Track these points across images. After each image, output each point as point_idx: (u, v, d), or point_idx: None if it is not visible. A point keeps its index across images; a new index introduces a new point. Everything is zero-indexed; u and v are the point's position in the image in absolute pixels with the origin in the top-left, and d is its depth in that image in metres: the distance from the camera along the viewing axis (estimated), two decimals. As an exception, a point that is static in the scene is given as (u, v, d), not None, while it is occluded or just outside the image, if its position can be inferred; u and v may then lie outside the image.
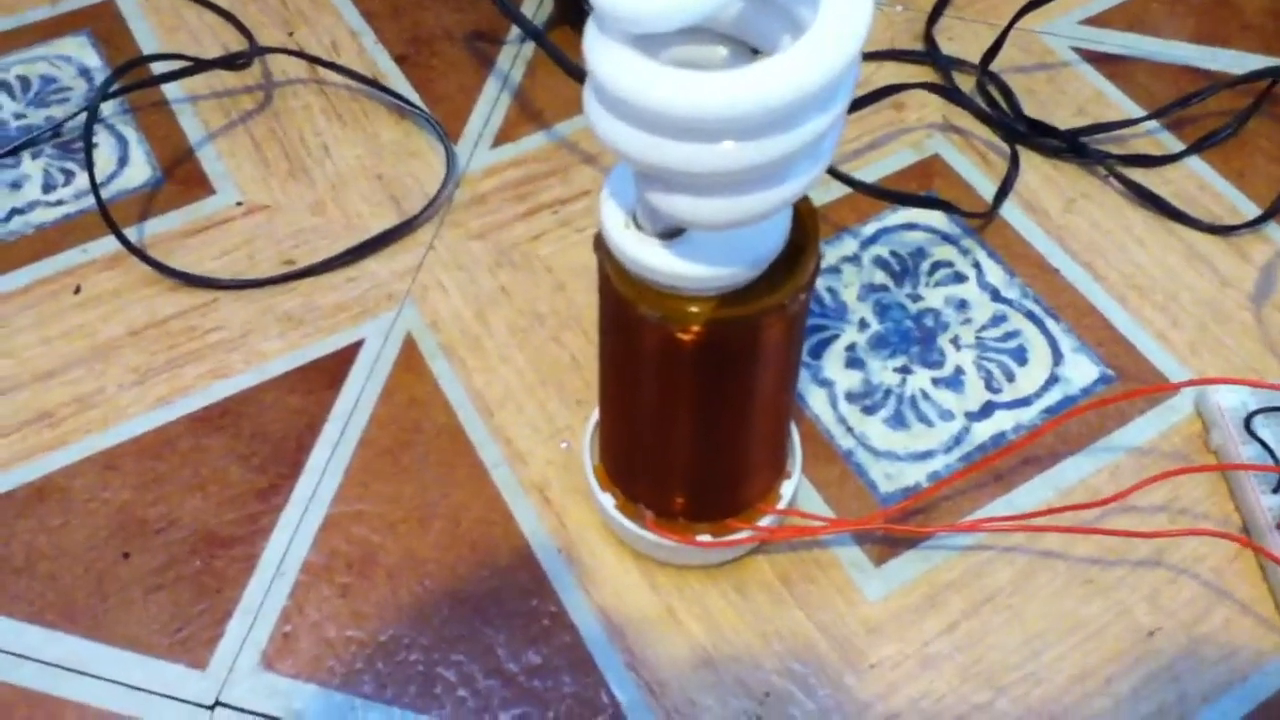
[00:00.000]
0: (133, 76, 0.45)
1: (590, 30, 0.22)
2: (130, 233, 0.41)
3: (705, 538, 0.32)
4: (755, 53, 0.25)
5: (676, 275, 0.25)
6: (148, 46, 0.48)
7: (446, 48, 0.48)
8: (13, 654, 0.33)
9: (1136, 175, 0.44)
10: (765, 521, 0.33)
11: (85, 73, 0.47)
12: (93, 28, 0.48)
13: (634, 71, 0.21)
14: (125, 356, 0.39)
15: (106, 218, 0.40)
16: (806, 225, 0.27)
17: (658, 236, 0.25)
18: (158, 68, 0.46)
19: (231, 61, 0.45)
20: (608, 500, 0.33)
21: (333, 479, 0.36)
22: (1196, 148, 0.45)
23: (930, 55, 0.48)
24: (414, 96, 0.46)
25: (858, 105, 0.45)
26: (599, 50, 0.22)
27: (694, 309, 0.26)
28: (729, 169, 0.22)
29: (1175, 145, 0.45)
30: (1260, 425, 0.35)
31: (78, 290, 0.40)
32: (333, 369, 0.38)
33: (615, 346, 0.29)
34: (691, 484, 0.31)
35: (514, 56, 0.48)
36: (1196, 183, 0.44)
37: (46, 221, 0.42)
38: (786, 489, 0.33)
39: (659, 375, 0.28)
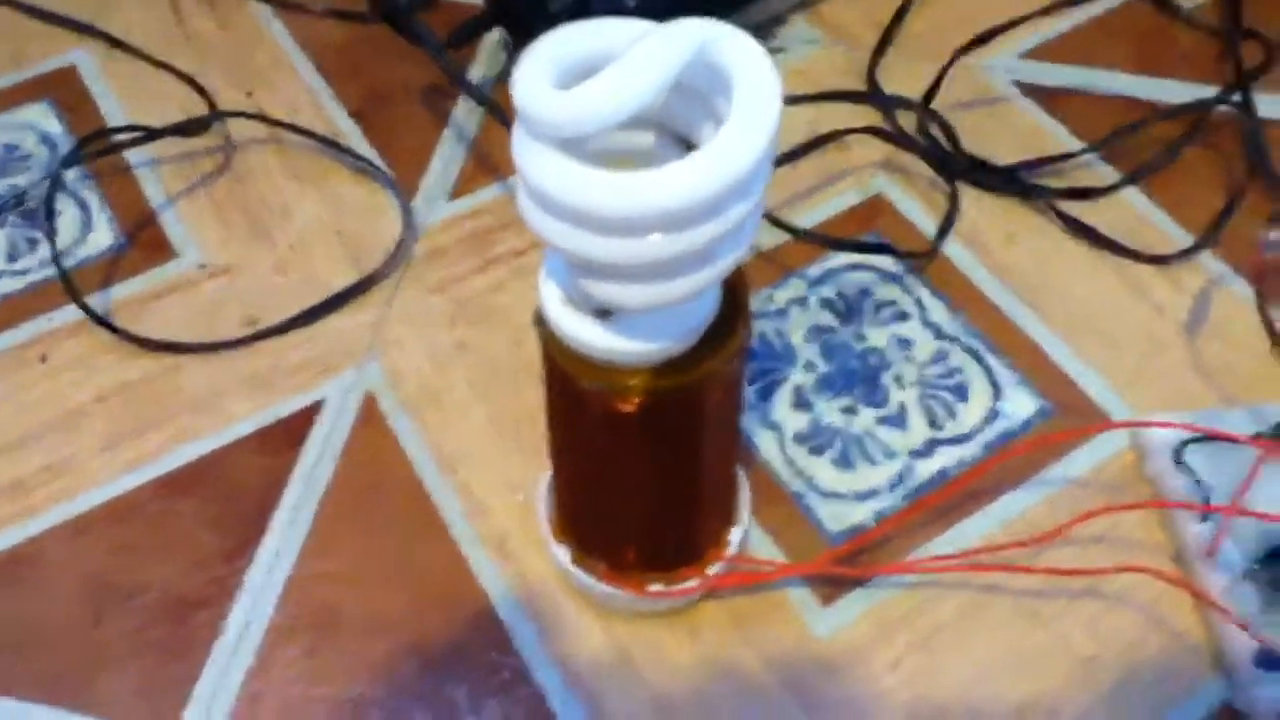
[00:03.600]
0: (95, 143, 0.46)
1: (517, 131, 0.23)
2: (95, 299, 0.42)
3: (657, 587, 0.33)
4: (681, 137, 0.26)
5: (613, 351, 0.26)
6: (109, 111, 0.49)
7: (403, 103, 0.49)
8: (-11, 723, 0.34)
9: (1075, 208, 0.45)
10: (715, 569, 0.34)
11: (47, 140, 0.48)
12: (54, 94, 0.49)
13: (561, 174, 0.23)
14: (93, 423, 0.40)
15: (69, 287, 0.41)
16: (737, 293, 0.28)
17: (593, 314, 0.27)
18: (120, 134, 0.47)
19: (191, 127, 0.46)
20: (562, 553, 0.34)
21: (296, 539, 0.37)
22: (1133, 179, 0.46)
23: (872, 95, 0.49)
24: (371, 153, 0.47)
25: (802, 150, 0.47)
26: (526, 151, 0.23)
27: (632, 381, 0.27)
28: (655, 259, 0.23)
29: (1113, 177, 0.47)
30: (1190, 455, 0.37)
31: (44, 359, 0.41)
32: (296, 428, 0.39)
33: (560, 414, 0.30)
34: (641, 538, 0.33)
35: (469, 110, 0.49)
36: (1134, 213, 0.45)
37: (12, 291, 0.43)
38: (735, 535, 0.35)
39: (603, 442, 0.29)
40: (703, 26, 0.23)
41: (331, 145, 0.47)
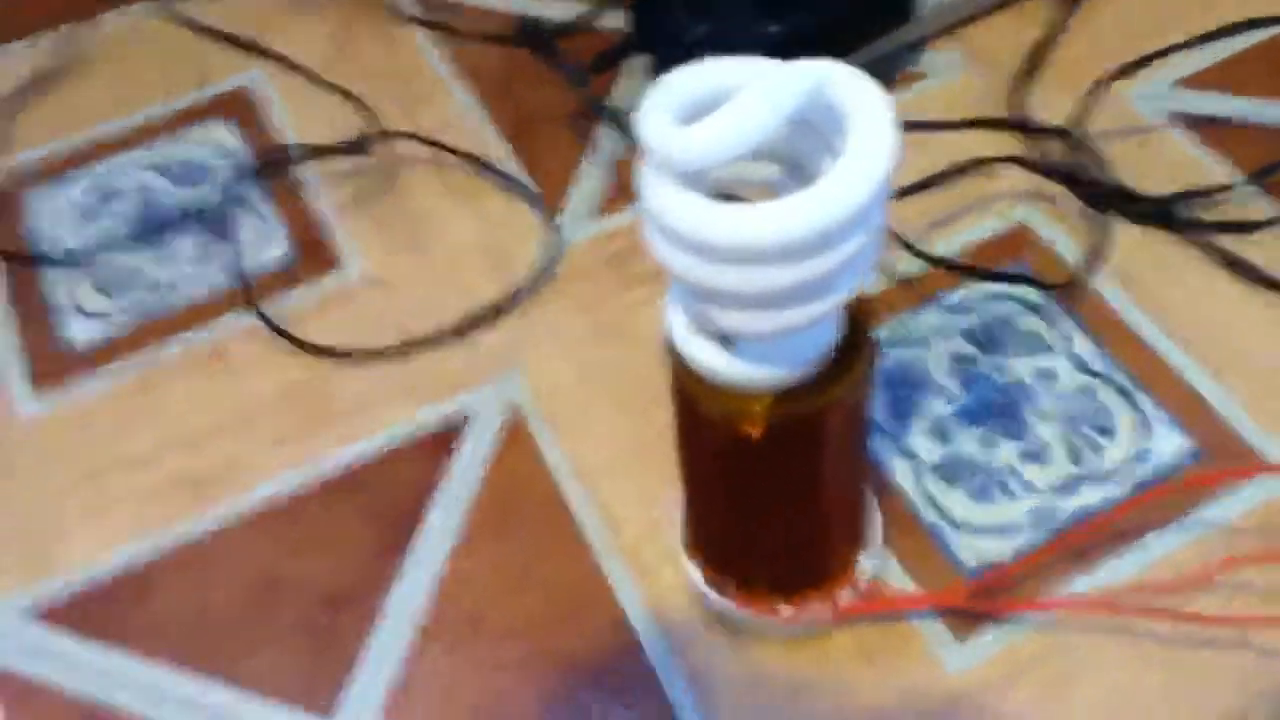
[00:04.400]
0: (271, 159, 0.49)
1: (642, 166, 0.25)
2: (268, 306, 0.45)
3: (788, 611, 0.34)
4: (803, 170, 0.27)
5: (735, 377, 0.27)
6: (282, 128, 0.52)
7: (551, 126, 0.51)
8: (169, 700, 0.36)
9: (1230, 242, 0.44)
10: (845, 595, 0.34)
11: (229, 155, 0.51)
12: (234, 112, 0.53)
13: (680, 206, 0.24)
14: (263, 423, 0.42)
15: (246, 293, 0.44)
16: (860, 321, 0.29)
17: (717, 340, 0.27)
18: (294, 152, 0.50)
19: (358, 146, 0.49)
20: (695, 571, 0.35)
21: (445, 543, 0.39)
22: (1295, 214, 0.45)
23: (1019, 123, 0.49)
24: (521, 173, 0.49)
25: (945, 177, 0.47)
26: (651, 185, 0.24)
27: (755, 406, 0.28)
28: (771, 289, 0.24)
29: (1273, 210, 0.45)
30: (1352, 506, 0.35)
31: (221, 360, 0.44)
32: (446, 436, 0.41)
33: (687, 437, 0.31)
34: (768, 561, 0.33)
35: (613, 134, 0.51)
36: (1295, 250, 0.44)
37: (195, 296, 0.46)
38: (867, 562, 0.35)
39: (728, 466, 0.30)
40: (819, 68, 0.24)
41: (483, 166, 0.49)
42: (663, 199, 0.24)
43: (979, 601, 0.35)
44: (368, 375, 0.43)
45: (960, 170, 0.47)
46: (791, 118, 0.25)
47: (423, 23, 0.56)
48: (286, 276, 0.47)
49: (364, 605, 0.38)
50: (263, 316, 0.44)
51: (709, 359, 0.27)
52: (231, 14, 0.57)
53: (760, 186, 0.27)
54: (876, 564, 0.35)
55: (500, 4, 0.56)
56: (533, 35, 0.49)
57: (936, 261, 0.44)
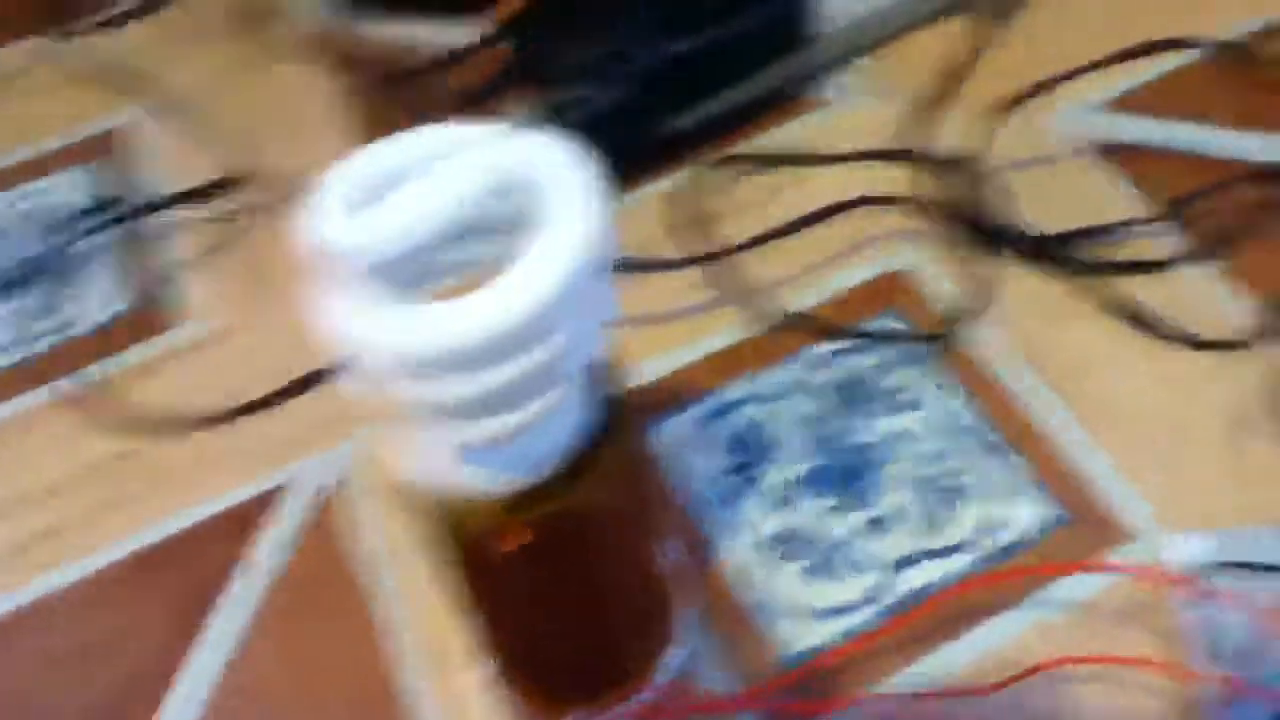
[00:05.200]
0: (119, 210, 0.47)
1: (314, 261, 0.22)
2: (95, 368, 0.43)
3: (581, 715, 0.31)
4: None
5: (455, 485, 0.24)
6: (150, 173, 0.50)
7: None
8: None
9: (1128, 285, 0.40)
10: (644, 696, 0.31)
11: (81, 206, 0.49)
12: (94, 159, 0.51)
13: (341, 310, 0.22)
14: (79, 496, 0.40)
15: (65, 361, 0.43)
16: (614, 413, 0.26)
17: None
18: (144, 203, 0.48)
19: (217, 193, 0.47)
20: (484, 670, 0.32)
21: (242, 626, 0.36)
22: (1203, 253, 0.41)
23: (915, 154, 0.45)
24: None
25: (824, 215, 0.43)
26: (321, 282, 0.22)
27: (485, 514, 0.25)
28: (455, 400, 0.21)
29: (1178, 247, 0.41)
30: (1218, 578, 0.32)
31: (33, 430, 0.42)
32: (257, 511, 0.39)
33: (437, 543, 0.28)
34: (555, 664, 0.30)
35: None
36: (1197, 293, 0.40)
37: (26, 357, 0.44)
38: (672, 657, 0.32)
39: (480, 574, 0.27)
40: (513, 148, 0.22)
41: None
42: (326, 298, 0.22)
43: (781, 702, 0.32)
44: (193, 444, 0.41)
45: (842, 208, 0.44)
46: (500, 191, 0.22)
47: (314, 56, 0.53)
48: (119, 336, 0.44)
49: (154, 690, 0.35)
50: (81, 383, 0.42)
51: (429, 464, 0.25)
52: (125, 48, 0.55)
53: (489, 265, 0.25)
54: (685, 657, 0.32)
55: (396, 34, 0.53)
56: (391, 72, 0.47)
57: (793, 318, 0.41)
